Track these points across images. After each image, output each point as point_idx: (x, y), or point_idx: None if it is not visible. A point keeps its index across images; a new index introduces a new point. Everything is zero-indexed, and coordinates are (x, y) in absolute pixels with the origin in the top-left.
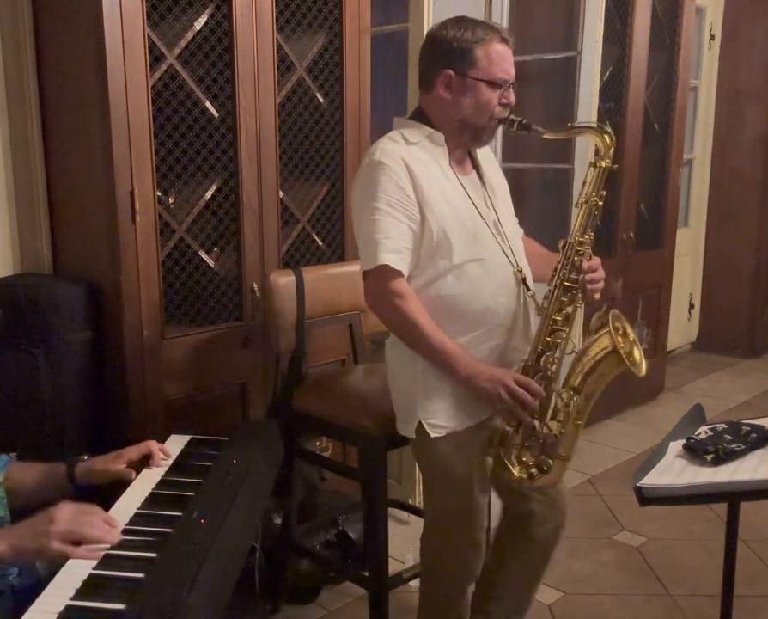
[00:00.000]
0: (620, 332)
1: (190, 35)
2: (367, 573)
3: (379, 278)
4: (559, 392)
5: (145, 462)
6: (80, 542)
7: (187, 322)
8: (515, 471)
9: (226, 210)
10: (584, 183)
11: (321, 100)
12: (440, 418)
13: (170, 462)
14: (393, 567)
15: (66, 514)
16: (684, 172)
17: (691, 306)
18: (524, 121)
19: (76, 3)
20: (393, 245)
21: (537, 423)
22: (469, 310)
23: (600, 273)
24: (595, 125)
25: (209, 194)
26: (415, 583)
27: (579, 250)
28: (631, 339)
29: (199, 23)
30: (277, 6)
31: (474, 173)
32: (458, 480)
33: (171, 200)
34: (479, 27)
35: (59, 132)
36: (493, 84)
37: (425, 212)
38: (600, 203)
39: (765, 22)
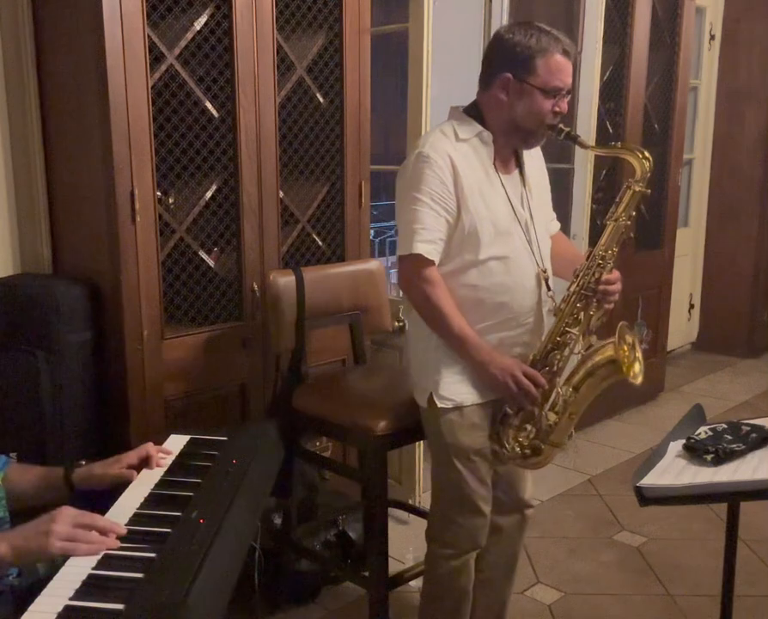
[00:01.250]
0: (629, 344)
1: (190, 35)
2: (367, 573)
3: (412, 265)
4: (561, 387)
5: (144, 465)
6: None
7: (187, 322)
8: (509, 448)
9: (226, 210)
10: (617, 203)
11: (321, 100)
12: (448, 391)
13: (170, 461)
14: (393, 567)
15: (68, 516)
16: (684, 172)
17: (691, 306)
18: (572, 132)
19: (76, 3)
20: (428, 236)
21: (537, 410)
22: (485, 302)
23: (617, 287)
24: (637, 149)
25: (209, 194)
26: (415, 583)
27: (601, 263)
28: (637, 355)
29: (199, 23)
30: (277, 6)
31: (516, 171)
32: (461, 449)
33: (171, 200)
34: (544, 35)
35: (59, 132)
36: (547, 93)
37: (461, 208)
38: (629, 223)
39: (765, 22)
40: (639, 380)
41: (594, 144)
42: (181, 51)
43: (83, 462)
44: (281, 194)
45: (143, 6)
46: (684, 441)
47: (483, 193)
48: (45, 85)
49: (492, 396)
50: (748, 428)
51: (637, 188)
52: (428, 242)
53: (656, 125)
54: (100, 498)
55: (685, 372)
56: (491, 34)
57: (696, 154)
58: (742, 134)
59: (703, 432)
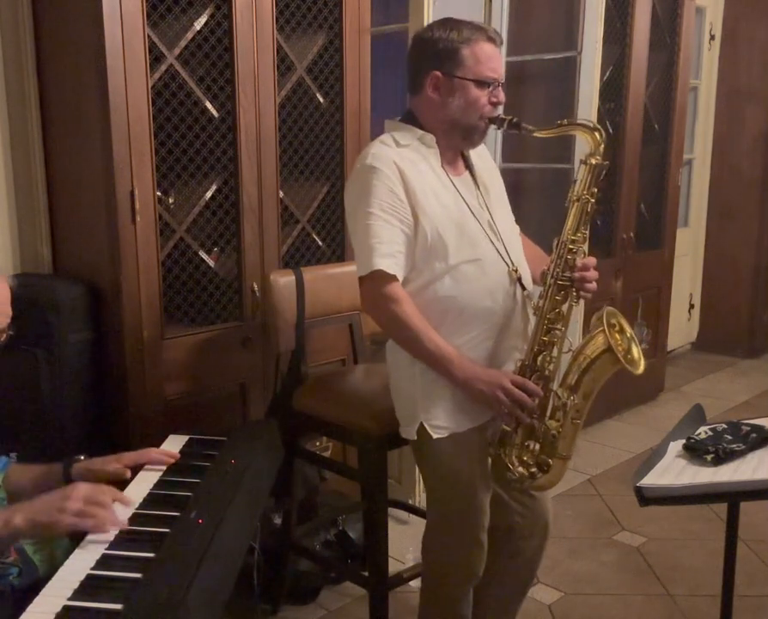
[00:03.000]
0: (616, 329)
1: (190, 35)
2: (367, 573)
3: (374, 283)
4: (557, 391)
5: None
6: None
7: (187, 322)
8: (516, 471)
9: (226, 210)
10: (575, 181)
11: (321, 100)
12: (441, 419)
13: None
14: (393, 567)
15: (81, 492)
16: (684, 172)
17: (691, 306)
18: (514, 120)
19: (76, 4)
20: (386, 249)
21: (536, 422)
22: (466, 311)
23: (594, 273)
24: (585, 123)
25: (209, 194)
26: (415, 583)
27: (572, 248)
28: (629, 335)
29: (199, 23)
30: (277, 6)
31: (467, 173)
32: (461, 480)
33: (171, 200)
34: (465, 27)
35: (59, 132)
36: (481, 83)
37: (418, 215)
38: (593, 200)
39: (765, 22)
40: (641, 368)
41: (539, 128)
42: (181, 51)
43: (82, 457)
44: (281, 194)
45: (143, 6)
46: (684, 441)
47: (438, 196)
48: (45, 85)
49: (488, 417)
50: (748, 428)
51: (594, 161)
52: (387, 256)
53: (656, 125)
54: None
55: (685, 372)
56: None
57: (696, 154)
58: (742, 134)
59: (703, 432)
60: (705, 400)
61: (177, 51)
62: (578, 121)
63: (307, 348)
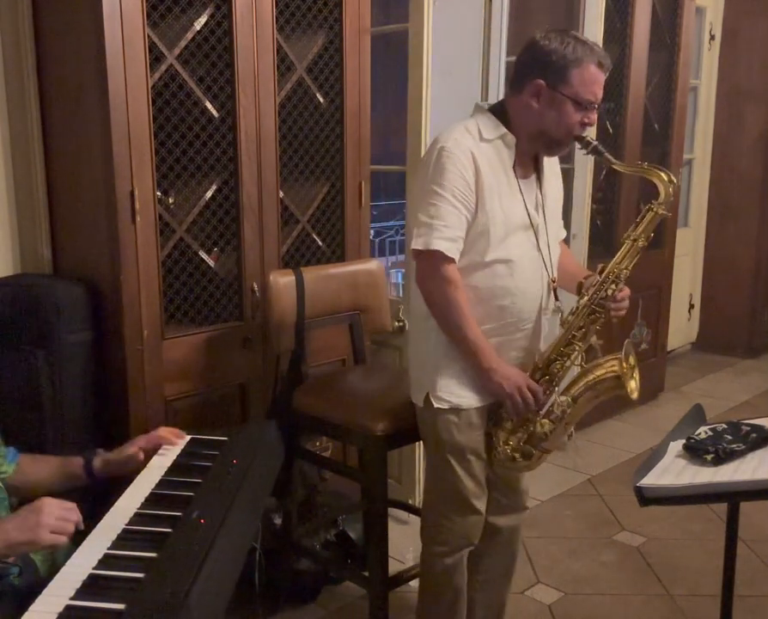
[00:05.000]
0: (631, 366)
1: (190, 35)
2: (367, 573)
3: (432, 261)
4: (559, 397)
5: (154, 452)
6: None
7: (187, 322)
8: (500, 449)
9: (226, 210)
10: (637, 223)
11: (321, 100)
12: (446, 392)
13: (171, 460)
14: (393, 567)
15: (54, 508)
16: (684, 172)
17: (691, 306)
18: (598, 147)
19: (76, 4)
20: (449, 233)
21: (531, 417)
22: (486, 304)
23: (626, 304)
24: (664, 172)
25: (209, 194)
26: (414, 583)
27: (615, 280)
28: (635, 375)
29: (199, 23)
30: (277, 6)
31: (534, 176)
32: (457, 448)
33: (171, 200)
34: (580, 45)
35: (59, 132)
36: (579, 105)
37: (478, 209)
38: (646, 245)
39: (765, 22)
40: (635, 396)
41: (620, 160)
42: (181, 51)
43: (101, 450)
44: (281, 194)
45: (143, 6)
46: (684, 441)
47: (500, 196)
48: (45, 85)
49: (490, 400)
50: (748, 428)
51: (660, 211)
52: (448, 239)
53: (656, 125)
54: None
55: (685, 372)
56: (528, 41)
57: (696, 154)
58: (742, 134)
59: (703, 432)
60: (705, 400)
61: (177, 51)
62: (657, 168)
63: (307, 348)
